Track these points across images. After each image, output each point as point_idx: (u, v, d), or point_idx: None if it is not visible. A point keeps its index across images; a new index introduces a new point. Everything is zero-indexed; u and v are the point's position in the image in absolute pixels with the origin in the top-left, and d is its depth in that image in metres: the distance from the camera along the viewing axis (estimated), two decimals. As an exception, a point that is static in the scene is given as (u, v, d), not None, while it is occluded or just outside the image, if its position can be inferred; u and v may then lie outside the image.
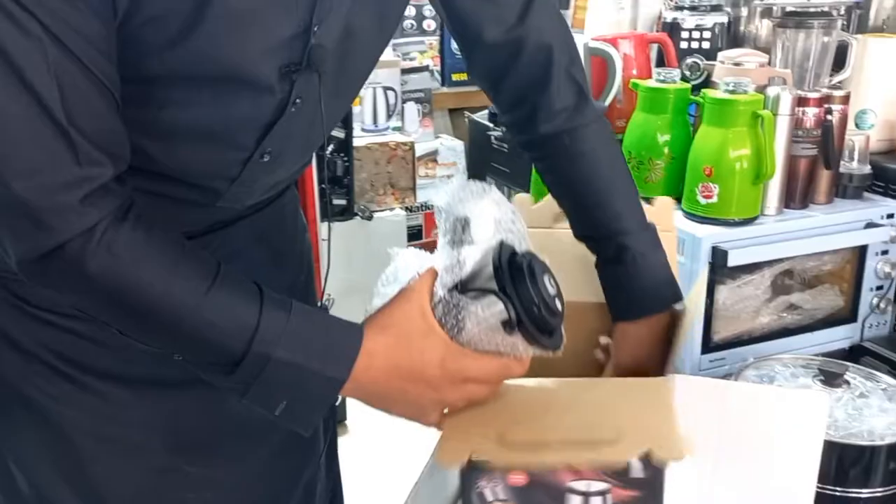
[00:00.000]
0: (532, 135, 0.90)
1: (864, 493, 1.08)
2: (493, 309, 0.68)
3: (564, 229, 0.94)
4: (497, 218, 0.71)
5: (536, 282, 0.68)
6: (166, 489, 0.84)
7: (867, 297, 1.41)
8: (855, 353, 1.41)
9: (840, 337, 1.41)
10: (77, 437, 0.80)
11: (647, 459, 0.67)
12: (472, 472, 0.67)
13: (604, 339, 0.92)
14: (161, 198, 0.74)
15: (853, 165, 1.40)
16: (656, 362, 0.89)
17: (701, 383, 1.04)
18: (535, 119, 0.88)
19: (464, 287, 0.69)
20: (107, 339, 0.76)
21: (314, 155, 1.01)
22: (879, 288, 1.41)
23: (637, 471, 0.68)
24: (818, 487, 1.06)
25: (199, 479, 0.85)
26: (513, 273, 0.68)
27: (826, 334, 1.40)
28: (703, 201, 1.27)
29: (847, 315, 1.42)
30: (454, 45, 2.35)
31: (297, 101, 0.73)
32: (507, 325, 0.67)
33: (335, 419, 1.10)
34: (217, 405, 0.81)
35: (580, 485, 0.68)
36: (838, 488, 1.08)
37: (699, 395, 0.97)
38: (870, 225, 1.36)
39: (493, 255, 0.68)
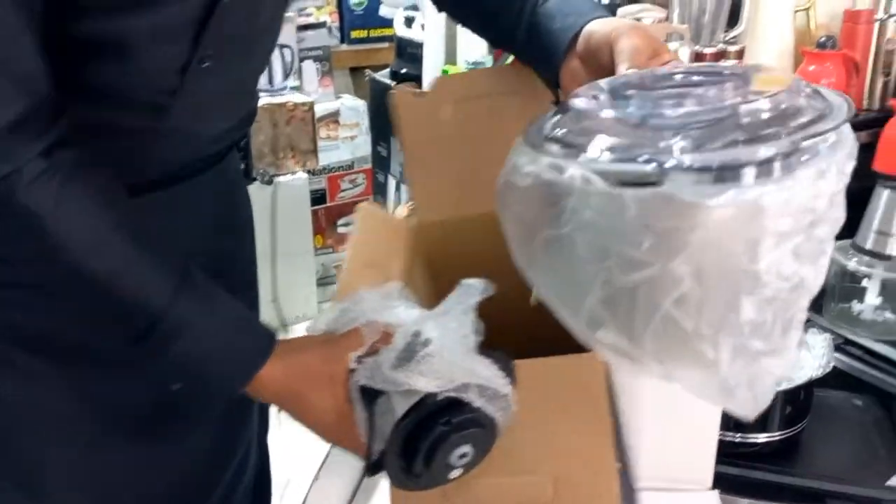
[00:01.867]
0: None
1: (762, 437, 1.13)
2: (378, 431, 0.64)
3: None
4: (468, 347, 0.63)
5: (433, 455, 0.62)
6: (105, 469, 0.81)
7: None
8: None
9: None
10: (7, 415, 0.76)
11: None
12: None
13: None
14: (107, 131, 0.69)
15: (747, 120, 1.44)
16: None
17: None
18: None
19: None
20: (34, 306, 0.72)
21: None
22: (773, 238, 1.47)
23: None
24: (720, 433, 1.11)
25: (139, 459, 0.82)
26: (419, 429, 0.62)
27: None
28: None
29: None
30: (353, 0, 2.27)
31: None
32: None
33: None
34: (153, 385, 0.77)
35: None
36: (738, 434, 1.12)
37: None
38: (763, 177, 1.40)
39: (424, 401, 0.62)
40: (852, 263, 1.32)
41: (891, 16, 1.47)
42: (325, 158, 2.11)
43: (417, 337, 0.63)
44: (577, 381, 0.67)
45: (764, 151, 0.47)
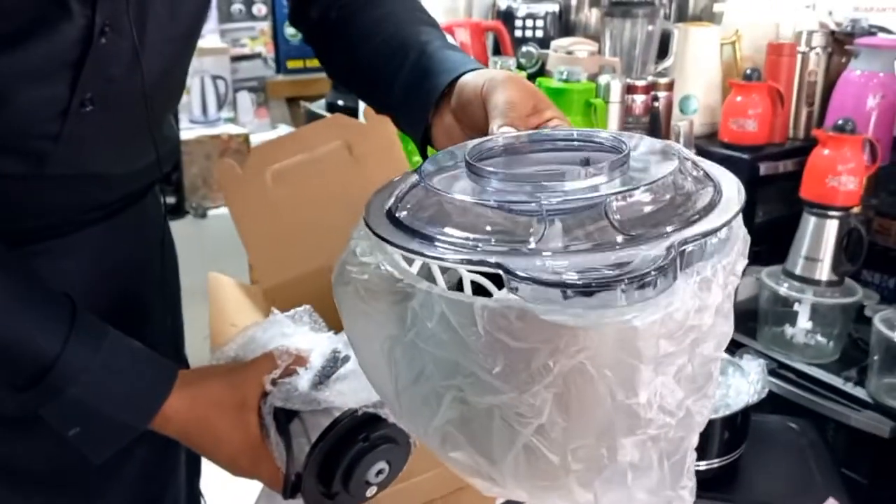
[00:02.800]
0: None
1: (702, 464, 1.13)
2: (295, 454, 0.62)
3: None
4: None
5: (352, 473, 0.62)
6: None
7: (696, 274, 1.49)
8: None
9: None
10: None
11: None
12: None
13: None
14: None
15: (679, 149, 1.47)
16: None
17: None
18: None
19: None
20: None
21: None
22: (707, 265, 1.49)
23: None
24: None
25: None
26: (338, 447, 0.61)
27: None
28: (543, 189, 1.28)
29: (679, 292, 1.49)
30: (289, 31, 2.25)
31: (106, 28, 0.63)
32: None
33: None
34: (59, 442, 0.72)
35: None
36: (679, 462, 1.12)
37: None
38: (696, 206, 1.42)
39: (342, 419, 0.61)
40: (783, 289, 1.35)
41: (812, 48, 1.53)
42: (262, 190, 2.07)
43: (335, 354, 0.63)
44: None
45: (641, 259, 0.38)
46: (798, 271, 1.34)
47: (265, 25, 2.17)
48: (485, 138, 0.52)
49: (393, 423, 0.61)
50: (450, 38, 0.76)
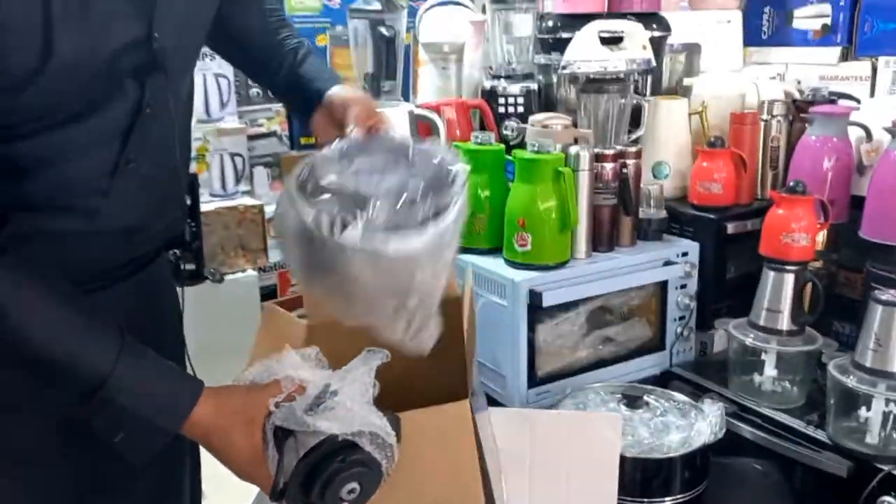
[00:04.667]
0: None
1: (668, 500, 1.22)
2: (285, 466, 0.76)
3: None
4: (368, 398, 0.79)
5: (328, 487, 0.75)
6: None
7: (672, 327, 1.58)
8: (665, 378, 1.57)
9: (651, 364, 1.57)
10: None
11: None
12: None
13: None
14: (44, 236, 0.80)
15: (651, 211, 1.58)
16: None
17: (515, 413, 1.15)
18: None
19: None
20: None
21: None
22: (682, 318, 1.59)
23: None
24: (628, 500, 1.20)
25: None
26: (319, 464, 0.75)
27: (639, 363, 1.56)
28: (519, 249, 1.40)
29: (657, 344, 1.58)
30: (302, 110, 2.45)
31: (150, 101, 0.83)
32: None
33: (199, 467, 1.14)
34: (73, 469, 0.85)
35: None
36: (644, 499, 1.21)
37: (514, 424, 1.08)
38: (667, 263, 1.54)
39: (325, 441, 0.75)
40: (749, 339, 1.44)
41: (774, 117, 1.66)
42: (276, 256, 2.23)
43: (327, 388, 0.78)
44: (446, 428, 0.79)
45: (422, 215, 0.75)
46: (761, 322, 1.43)
47: (279, 106, 2.37)
48: (347, 136, 0.94)
49: (368, 452, 0.75)
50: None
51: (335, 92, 1.06)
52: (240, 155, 2.22)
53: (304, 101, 1.09)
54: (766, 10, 2.00)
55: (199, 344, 1.91)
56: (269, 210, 2.22)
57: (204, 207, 2.04)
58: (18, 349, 0.74)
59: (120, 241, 0.90)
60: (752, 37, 2.04)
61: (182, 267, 1.94)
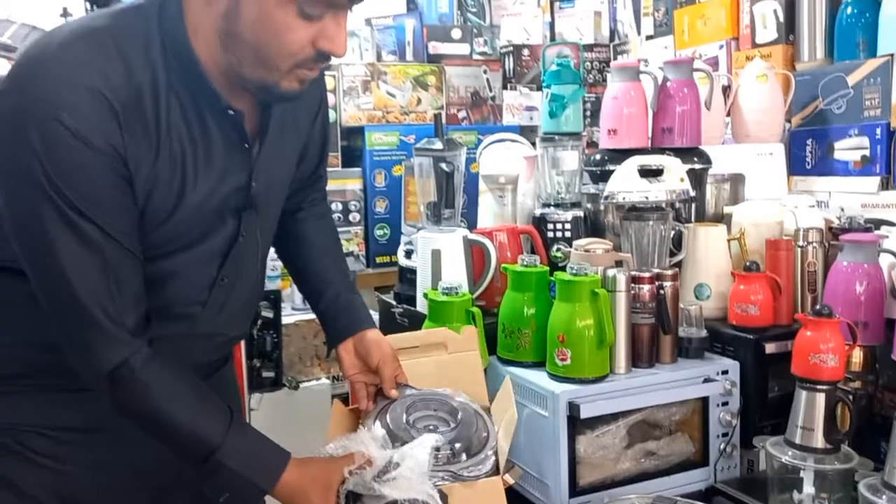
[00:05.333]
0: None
1: None
2: None
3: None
4: (424, 472, 1.01)
5: None
6: None
7: (715, 444, 1.64)
8: (709, 494, 1.61)
9: (696, 480, 1.62)
10: None
11: None
12: None
13: None
14: (157, 341, 1.01)
15: (692, 330, 1.68)
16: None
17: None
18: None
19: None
20: (90, 480, 1.05)
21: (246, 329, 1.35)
22: (725, 434, 1.65)
23: None
24: None
25: None
26: None
27: (683, 477, 1.61)
28: (560, 363, 1.52)
29: (700, 460, 1.64)
30: (378, 232, 2.69)
31: (243, 232, 1.07)
32: None
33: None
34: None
35: None
36: None
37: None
38: (707, 380, 1.61)
39: None
40: (786, 457, 1.49)
41: (809, 243, 1.75)
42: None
43: (391, 461, 1.00)
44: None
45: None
46: (797, 440, 1.48)
47: (359, 229, 2.61)
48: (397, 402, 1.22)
49: None
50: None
51: (367, 335, 1.28)
52: (319, 273, 2.46)
53: (334, 332, 1.30)
54: (809, 142, 2.13)
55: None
56: (344, 323, 2.42)
57: (284, 320, 2.24)
58: (155, 418, 0.96)
59: (208, 345, 1.10)
60: (796, 167, 2.16)
61: (262, 374, 2.15)
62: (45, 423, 1.02)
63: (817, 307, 1.48)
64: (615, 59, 2.94)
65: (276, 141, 1.09)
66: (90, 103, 0.87)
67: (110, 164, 0.90)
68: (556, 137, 1.96)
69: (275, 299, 2.15)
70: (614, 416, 1.54)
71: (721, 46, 2.40)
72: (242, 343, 1.93)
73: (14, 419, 1.01)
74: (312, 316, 2.47)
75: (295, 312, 2.36)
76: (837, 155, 2.05)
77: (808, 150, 2.13)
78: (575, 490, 1.50)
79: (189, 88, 0.96)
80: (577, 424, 1.49)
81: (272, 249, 1.30)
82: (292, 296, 2.36)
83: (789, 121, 2.21)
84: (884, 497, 1.29)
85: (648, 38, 2.84)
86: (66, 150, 0.86)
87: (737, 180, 2.05)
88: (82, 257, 0.88)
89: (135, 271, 0.95)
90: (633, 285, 1.59)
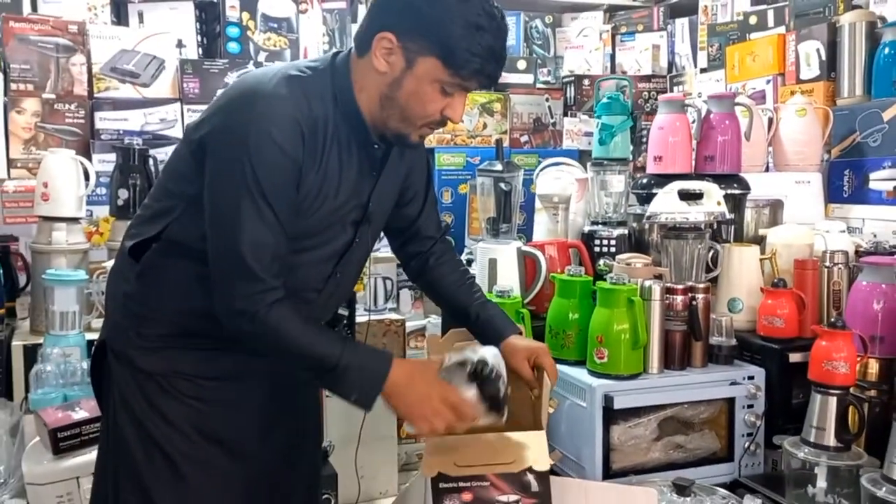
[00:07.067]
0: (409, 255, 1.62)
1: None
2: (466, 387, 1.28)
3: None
4: (493, 353, 1.32)
5: (490, 382, 1.27)
6: None
7: (740, 442, 1.81)
8: (733, 487, 1.78)
9: (721, 473, 1.80)
10: (193, 482, 1.33)
11: (534, 472, 1.22)
12: (438, 482, 1.22)
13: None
14: None
15: (722, 339, 1.86)
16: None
17: (573, 483, 1.45)
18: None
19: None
20: (220, 415, 1.36)
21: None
22: (749, 434, 1.82)
23: (534, 485, 1.21)
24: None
25: None
26: (483, 374, 1.27)
27: (708, 469, 1.79)
28: (598, 361, 1.73)
29: (725, 455, 1.81)
30: (443, 245, 2.94)
31: (357, 239, 1.39)
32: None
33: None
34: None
35: (503, 497, 1.21)
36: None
37: (572, 491, 1.38)
38: (734, 383, 1.79)
39: (474, 363, 1.28)
40: (801, 454, 1.65)
41: (835, 264, 1.91)
42: (413, 365, 2.64)
43: (474, 355, 1.31)
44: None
45: None
46: (812, 439, 1.65)
47: (426, 240, 2.86)
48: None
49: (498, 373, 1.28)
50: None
51: (513, 341, 1.47)
52: (389, 278, 2.71)
53: (489, 340, 1.48)
54: (846, 172, 2.28)
55: (341, 430, 2.33)
56: (410, 325, 2.67)
57: (358, 319, 2.50)
58: (289, 348, 1.24)
59: None
60: (834, 194, 2.31)
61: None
62: (190, 371, 1.33)
63: (832, 320, 1.65)
64: (671, 90, 3.13)
65: (389, 174, 1.41)
66: (290, 125, 1.22)
67: (292, 169, 1.23)
68: (605, 162, 2.17)
69: (350, 300, 2.41)
70: (646, 410, 1.73)
71: (768, 81, 2.58)
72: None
73: (169, 367, 1.32)
74: (382, 316, 2.76)
75: (367, 313, 2.61)
76: (872, 185, 2.20)
77: (845, 180, 2.28)
78: (608, 474, 1.70)
79: (347, 126, 1.30)
80: (611, 415, 1.69)
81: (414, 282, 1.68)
82: (366, 298, 2.62)
83: (829, 152, 2.37)
84: (883, 489, 1.45)
85: (703, 70, 3.03)
86: (270, 154, 1.20)
87: (776, 205, 2.22)
88: (258, 231, 1.20)
89: (285, 250, 1.26)
90: (667, 295, 1.79)
